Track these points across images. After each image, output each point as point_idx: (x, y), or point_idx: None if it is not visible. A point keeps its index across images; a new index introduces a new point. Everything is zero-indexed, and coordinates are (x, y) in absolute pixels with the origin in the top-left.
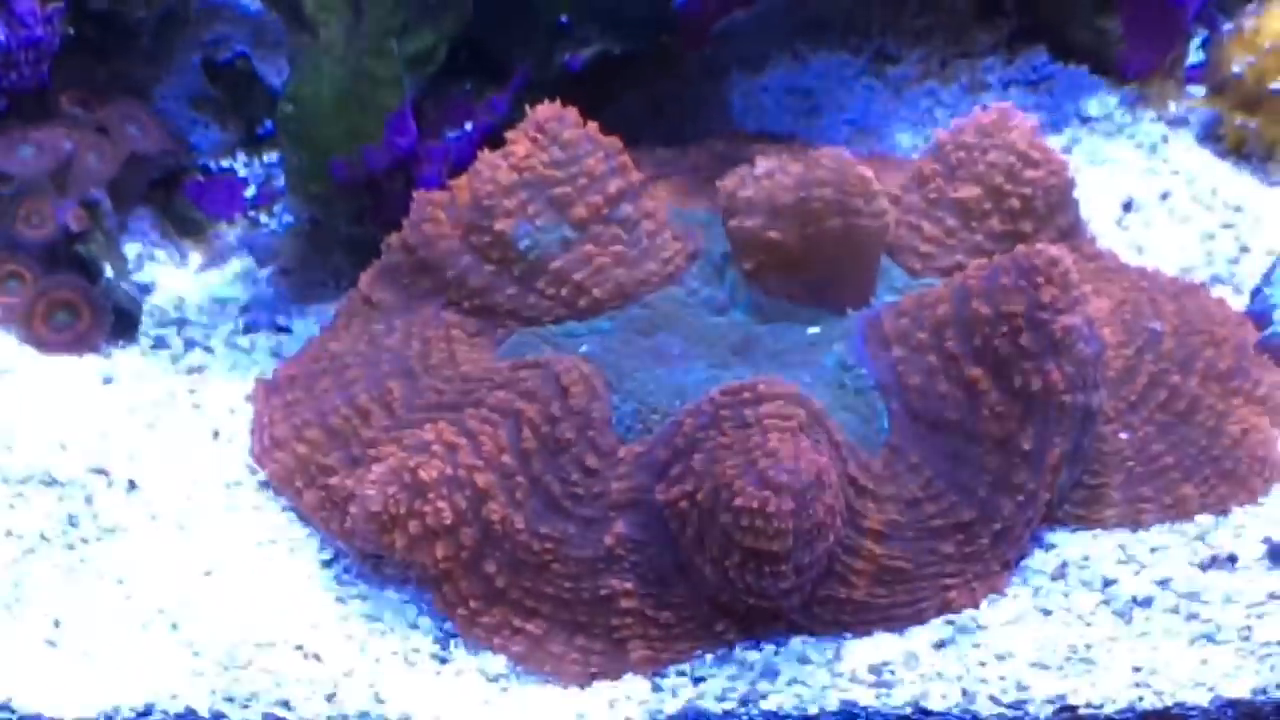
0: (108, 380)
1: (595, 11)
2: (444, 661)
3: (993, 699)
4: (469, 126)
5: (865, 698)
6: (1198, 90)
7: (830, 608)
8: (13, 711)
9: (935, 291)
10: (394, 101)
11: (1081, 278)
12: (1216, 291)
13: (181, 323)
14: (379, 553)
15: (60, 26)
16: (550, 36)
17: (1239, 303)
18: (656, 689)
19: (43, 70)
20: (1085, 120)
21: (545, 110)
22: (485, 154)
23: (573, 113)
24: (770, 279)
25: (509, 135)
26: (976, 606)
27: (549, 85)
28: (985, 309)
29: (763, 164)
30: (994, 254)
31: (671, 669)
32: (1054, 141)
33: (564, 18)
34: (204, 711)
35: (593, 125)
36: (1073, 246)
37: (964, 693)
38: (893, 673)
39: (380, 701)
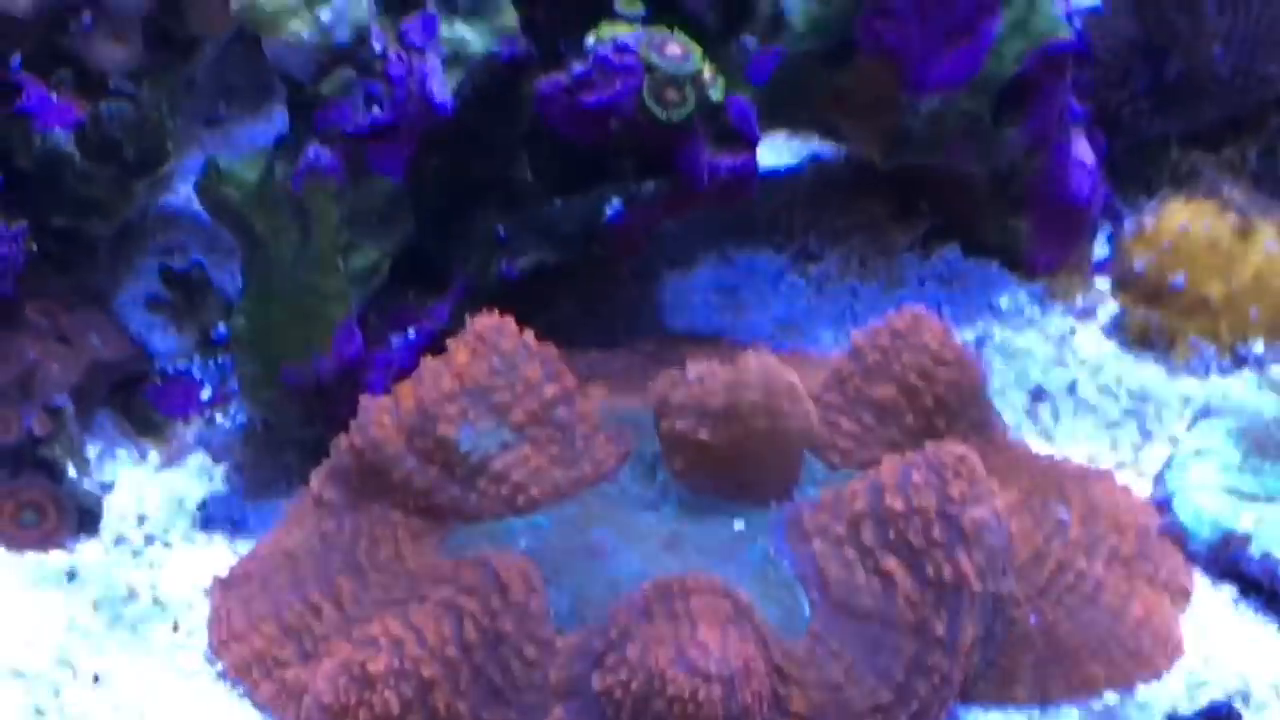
0: (72, 576)
1: (531, 224)
2: None
3: None
4: (412, 333)
5: None
6: (1104, 283)
7: None
8: None
9: (852, 487)
10: (341, 314)
11: (990, 471)
12: (1122, 478)
13: (141, 519)
14: None
15: (25, 244)
16: (488, 247)
17: (1144, 489)
18: None
19: (7, 285)
20: (997, 313)
21: (484, 321)
22: (428, 361)
23: (510, 323)
24: (699, 477)
25: (451, 344)
26: None
27: (487, 292)
28: (899, 504)
29: (693, 369)
30: (909, 449)
31: None
32: (966, 334)
33: (501, 230)
34: None
35: (529, 334)
36: (984, 439)
37: None
38: None
39: None
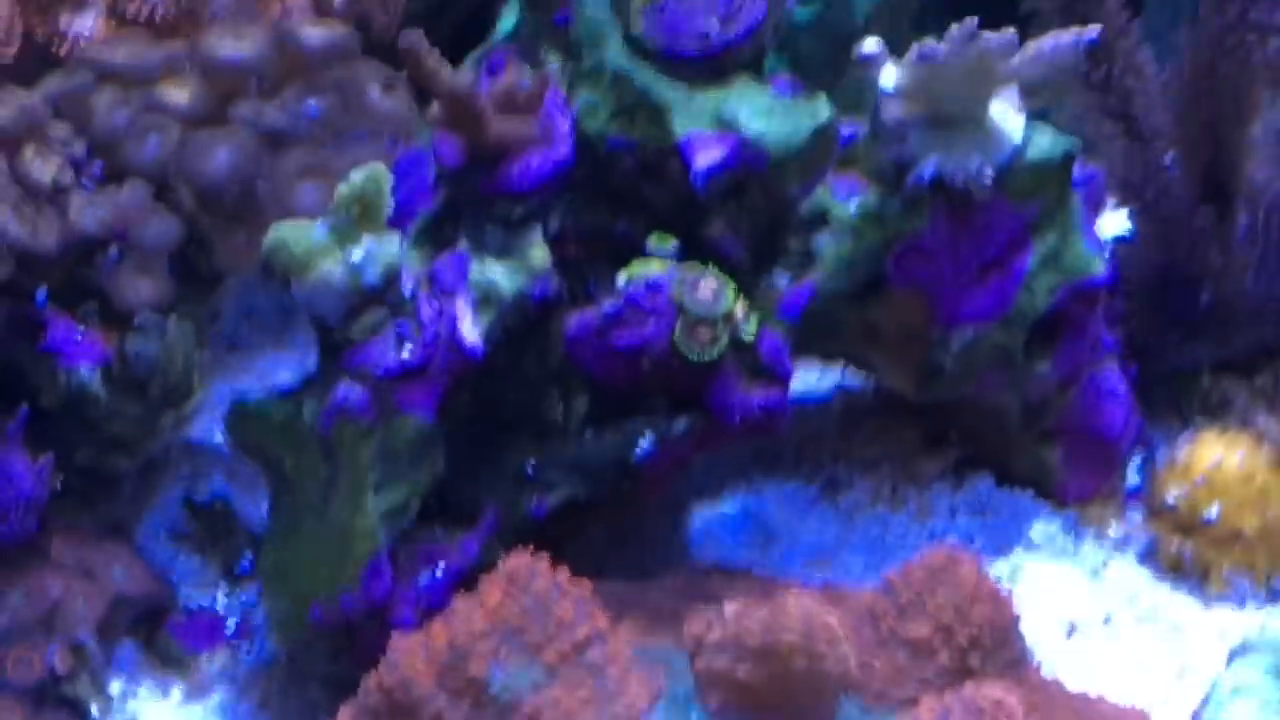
0: None
1: (561, 461)
2: None
3: None
4: (441, 569)
5: None
6: (1137, 513)
7: None
8: None
9: None
10: (370, 551)
11: (1026, 711)
12: (1158, 714)
13: None
14: None
15: (50, 480)
16: (518, 483)
17: None
18: None
19: (32, 522)
20: (1029, 545)
21: (517, 560)
22: (460, 600)
23: (544, 563)
24: (735, 716)
25: (483, 582)
26: None
27: (516, 527)
28: None
29: (730, 608)
30: (943, 688)
31: None
32: (999, 567)
33: (531, 467)
34: None
35: (563, 573)
36: (1018, 677)
37: None
38: None
39: None
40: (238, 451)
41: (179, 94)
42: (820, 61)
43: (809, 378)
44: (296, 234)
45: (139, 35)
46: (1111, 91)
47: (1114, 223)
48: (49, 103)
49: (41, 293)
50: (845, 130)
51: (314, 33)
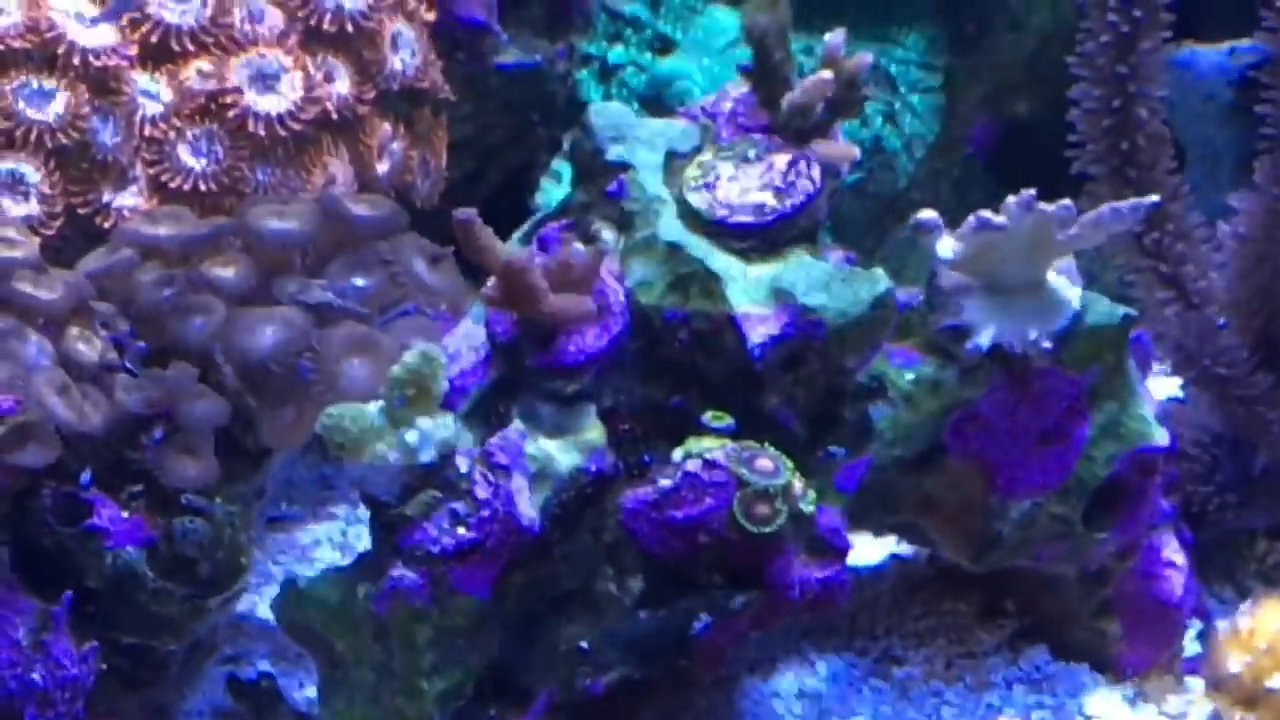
0: None
1: (616, 638)
2: None
3: None
4: None
5: None
6: (1197, 684)
7: None
8: None
9: None
10: None
11: None
12: None
13: None
14: None
15: (95, 664)
16: (571, 661)
17: None
18: None
19: (78, 707)
20: (1088, 719)
21: None
22: None
23: None
24: None
25: None
26: None
27: (571, 707)
28: None
29: None
30: None
31: None
32: None
33: (585, 645)
34: None
35: None
36: None
37: None
38: None
39: None
40: (289, 635)
41: (225, 271)
42: (862, 223)
43: (862, 546)
44: (351, 415)
45: (182, 209)
46: (1163, 256)
47: (1163, 386)
48: (92, 280)
49: (87, 475)
50: (900, 297)
51: (361, 208)
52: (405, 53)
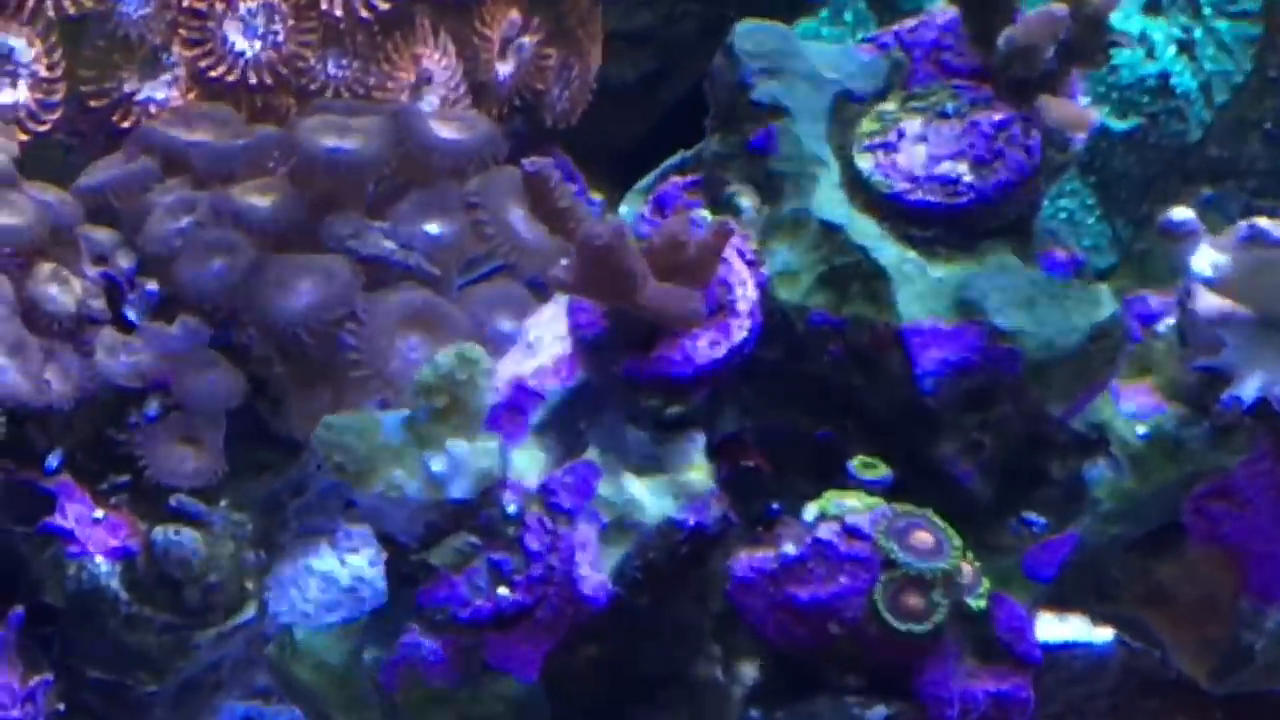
0: None
1: None
2: None
3: None
4: None
5: None
6: None
7: None
8: None
9: None
10: None
11: None
12: None
13: None
14: None
15: (46, 703)
16: None
17: None
18: None
19: None
20: None
21: None
22: None
23: None
24: None
25: None
26: None
27: None
28: None
29: None
30: None
31: None
32: None
33: None
34: None
35: None
36: None
37: None
38: None
39: None
40: (282, 689)
41: (260, 200)
42: (1138, 184)
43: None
44: (358, 428)
45: (225, 109)
46: None
47: None
48: (95, 197)
49: (55, 456)
50: (1148, 305)
51: (448, 129)
52: None
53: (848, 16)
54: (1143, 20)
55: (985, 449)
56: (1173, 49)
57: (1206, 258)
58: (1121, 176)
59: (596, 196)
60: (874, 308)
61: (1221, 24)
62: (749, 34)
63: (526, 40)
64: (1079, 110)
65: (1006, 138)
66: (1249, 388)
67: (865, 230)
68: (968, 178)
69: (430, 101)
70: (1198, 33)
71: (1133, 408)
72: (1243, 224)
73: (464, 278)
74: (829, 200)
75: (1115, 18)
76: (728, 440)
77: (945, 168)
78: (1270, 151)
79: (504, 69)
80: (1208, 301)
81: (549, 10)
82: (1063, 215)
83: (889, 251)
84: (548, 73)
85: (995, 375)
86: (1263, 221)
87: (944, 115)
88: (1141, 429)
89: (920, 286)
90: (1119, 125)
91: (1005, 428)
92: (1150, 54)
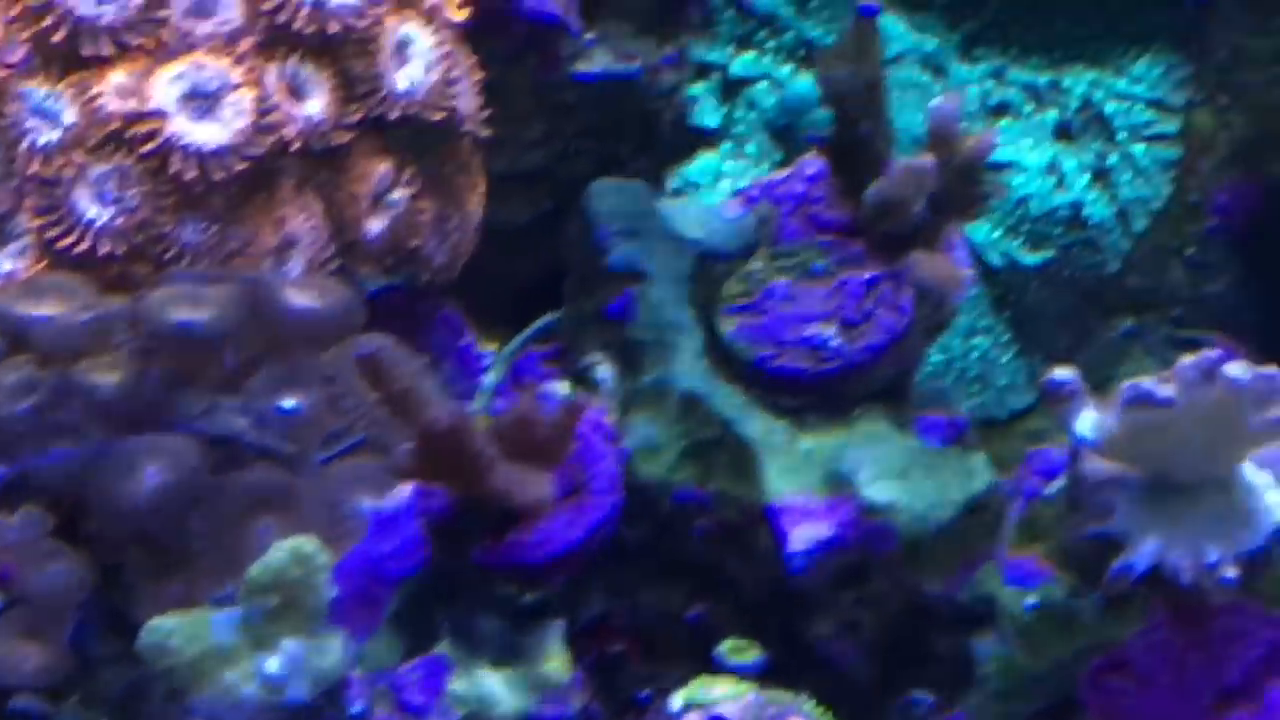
0: None
1: None
2: None
3: None
4: None
5: None
6: None
7: None
8: None
9: None
10: None
11: None
12: None
13: None
14: None
15: None
16: None
17: None
18: None
19: None
20: None
21: None
22: None
23: None
24: None
25: None
26: None
27: None
28: None
29: None
30: None
31: None
32: None
33: None
34: None
35: None
36: None
37: None
38: None
39: None
40: None
41: (105, 377)
42: (1052, 320)
43: None
44: (184, 630)
45: (75, 280)
46: None
47: None
48: None
49: None
50: (1049, 460)
51: (302, 297)
52: (416, 66)
53: (750, 149)
54: (1052, 149)
55: (864, 627)
56: (1085, 177)
57: (1090, 419)
58: (1037, 311)
59: (490, 348)
60: (741, 483)
61: (1138, 149)
62: (604, 194)
63: (399, 194)
64: (952, 266)
65: (876, 297)
66: (1141, 555)
67: (730, 400)
68: (836, 341)
69: (296, 265)
70: (1112, 159)
71: (1020, 577)
72: (1126, 384)
73: (325, 453)
74: (691, 369)
75: (1024, 146)
76: (594, 624)
77: (813, 331)
78: (1193, 279)
79: (375, 225)
80: (1095, 465)
81: (423, 160)
82: (976, 354)
83: (755, 422)
84: (423, 226)
85: (868, 552)
86: (1146, 381)
87: (812, 274)
88: (1030, 599)
89: (789, 459)
90: (1031, 259)
91: (884, 604)
92: (1061, 184)
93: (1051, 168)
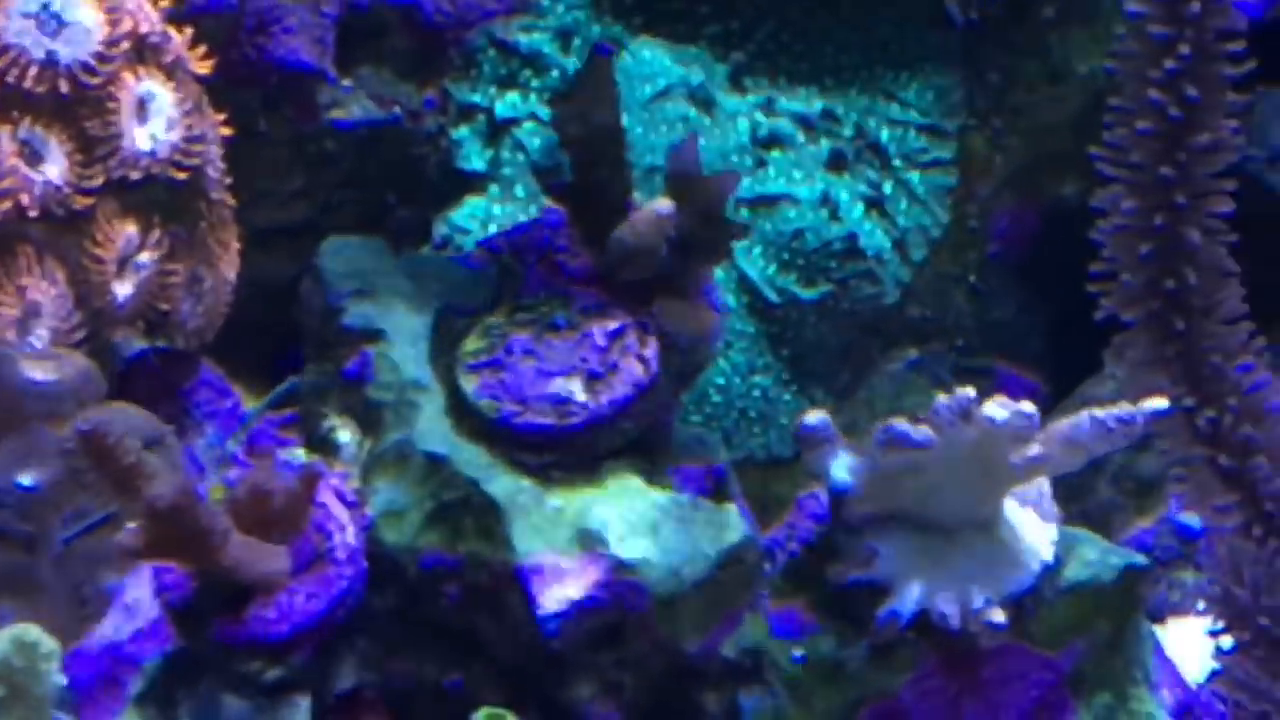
0: None
1: None
2: None
3: None
4: None
5: None
6: None
7: None
8: None
9: None
10: None
11: None
12: None
13: None
14: None
15: None
16: None
17: None
18: None
19: None
20: None
21: None
22: None
23: None
24: None
25: None
26: None
27: None
28: None
29: None
30: None
31: None
32: None
33: None
34: None
35: None
36: None
37: None
38: None
39: None
40: None
41: None
42: (834, 355)
43: None
44: None
45: None
46: (1222, 443)
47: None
48: None
49: None
50: (821, 504)
51: (39, 369)
52: (157, 123)
53: (519, 192)
54: (825, 179)
55: (626, 688)
56: (860, 207)
57: (845, 464)
58: (817, 346)
59: (253, 408)
60: (489, 544)
61: (913, 175)
62: (337, 252)
63: (146, 256)
64: (702, 311)
65: (621, 349)
66: (907, 600)
67: (474, 460)
68: (581, 396)
69: (40, 336)
70: (887, 187)
71: (787, 630)
72: (879, 426)
73: (67, 531)
74: (434, 429)
75: (796, 178)
76: (346, 697)
77: (556, 386)
78: (976, 307)
79: (123, 290)
80: (854, 510)
81: (172, 220)
82: (756, 393)
83: (501, 482)
84: (175, 289)
85: (623, 611)
86: (899, 424)
87: (554, 327)
88: (797, 651)
89: (537, 519)
90: (808, 294)
91: (645, 664)
92: (835, 215)
93: (825, 199)
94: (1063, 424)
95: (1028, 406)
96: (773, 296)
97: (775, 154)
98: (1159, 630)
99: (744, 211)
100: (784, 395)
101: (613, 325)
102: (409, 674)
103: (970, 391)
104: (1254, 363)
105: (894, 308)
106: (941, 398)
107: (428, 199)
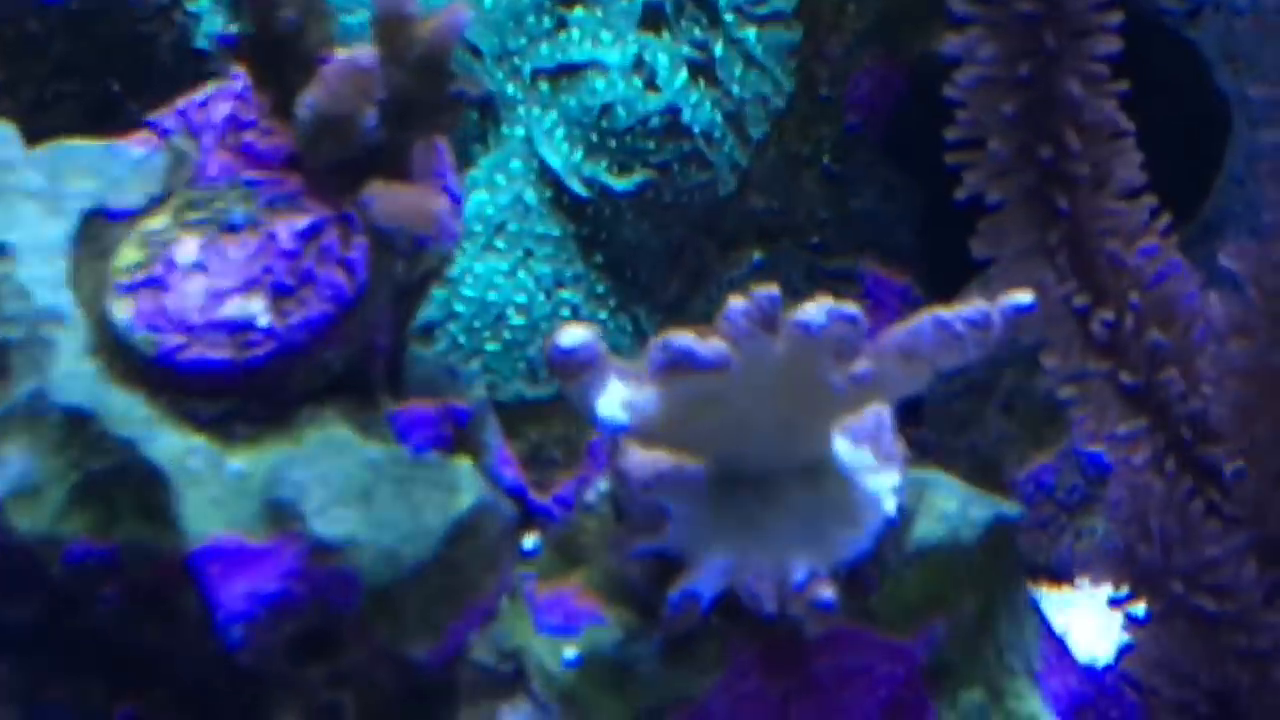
0: None
1: None
2: None
3: None
4: None
5: None
6: None
7: None
8: None
9: None
10: None
11: None
12: None
13: None
14: None
15: None
16: None
17: None
18: None
19: None
20: None
21: None
22: None
23: None
24: None
25: None
26: None
27: None
28: None
29: None
30: None
31: None
32: None
33: None
34: None
35: None
36: None
37: None
38: None
39: None
40: None
41: None
42: (659, 260)
43: None
44: None
45: None
46: (1124, 356)
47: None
48: None
49: None
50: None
51: None
52: None
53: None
54: (639, 41)
55: (346, 711)
56: (683, 74)
57: (618, 397)
58: (635, 251)
59: None
60: (152, 527)
61: (748, 33)
62: None
63: None
64: (425, 197)
65: (317, 252)
66: (706, 578)
67: (130, 413)
68: (265, 319)
69: None
70: (718, 49)
71: (558, 622)
72: (655, 345)
73: None
74: (75, 375)
75: (603, 40)
76: None
77: (233, 307)
78: (831, 194)
79: None
80: (637, 459)
81: None
82: (565, 312)
83: (166, 441)
84: None
85: (328, 607)
86: (679, 338)
87: (231, 229)
88: (570, 651)
89: (215, 489)
90: (622, 184)
91: (371, 678)
92: (652, 84)
93: (639, 64)
94: (897, 330)
95: (850, 307)
96: (579, 189)
97: (578, 12)
98: (1060, 597)
99: (542, 85)
100: (599, 313)
101: (305, 222)
102: (66, 707)
103: (773, 289)
104: (1159, 246)
105: (730, 199)
106: (735, 300)
107: (161, 87)
